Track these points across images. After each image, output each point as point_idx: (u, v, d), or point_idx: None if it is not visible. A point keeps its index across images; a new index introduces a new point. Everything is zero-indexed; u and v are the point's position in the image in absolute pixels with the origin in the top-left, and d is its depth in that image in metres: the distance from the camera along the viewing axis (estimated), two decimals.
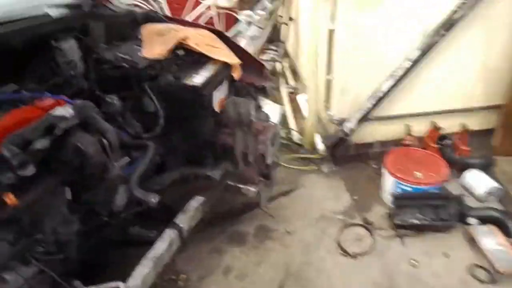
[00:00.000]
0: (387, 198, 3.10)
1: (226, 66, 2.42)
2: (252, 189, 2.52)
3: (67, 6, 2.27)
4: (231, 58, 2.47)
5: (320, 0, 3.22)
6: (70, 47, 2.03)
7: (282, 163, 3.45)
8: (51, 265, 1.55)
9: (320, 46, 3.40)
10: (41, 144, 1.44)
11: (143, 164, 1.78)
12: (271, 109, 4.13)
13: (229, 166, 2.54)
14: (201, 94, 2.10)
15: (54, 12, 2.14)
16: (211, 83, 2.20)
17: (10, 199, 1.27)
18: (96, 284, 1.73)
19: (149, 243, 2.22)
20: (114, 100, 2.04)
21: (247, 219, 2.97)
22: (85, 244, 1.90)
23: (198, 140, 2.33)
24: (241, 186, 2.54)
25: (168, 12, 5.11)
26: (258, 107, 2.51)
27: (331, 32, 3.18)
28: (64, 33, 2.04)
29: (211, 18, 5.26)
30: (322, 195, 3.24)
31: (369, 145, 3.60)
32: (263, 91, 2.75)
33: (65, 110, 1.59)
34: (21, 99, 1.67)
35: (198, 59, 2.32)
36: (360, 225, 2.92)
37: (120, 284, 1.67)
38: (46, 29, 1.99)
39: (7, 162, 1.35)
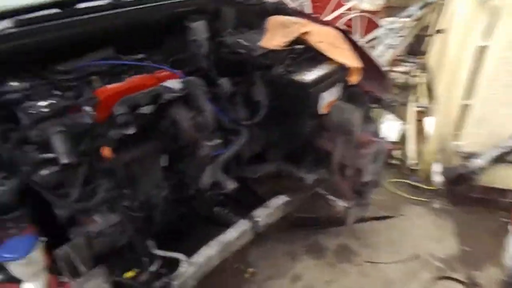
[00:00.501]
0: (509, 263, 2.51)
1: (344, 68, 2.26)
2: (342, 203, 2.33)
3: None
4: (351, 61, 2.30)
5: (479, 10, 2.75)
6: (199, 27, 2.17)
7: (385, 185, 3.12)
8: (132, 221, 1.69)
9: (464, 64, 2.92)
10: (146, 109, 1.57)
11: (231, 149, 1.79)
12: (390, 125, 3.78)
13: (323, 174, 2.41)
14: (308, 92, 2.01)
15: None
16: (322, 83, 2.09)
17: (106, 152, 1.42)
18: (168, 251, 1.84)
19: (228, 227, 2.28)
20: (224, 83, 2.11)
21: (331, 233, 2.78)
22: (168, 211, 2.04)
23: (298, 139, 2.25)
24: (330, 197, 2.38)
25: (310, 10, 5.12)
26: (368, 118, 2.28)
27: (482, 49, 2.69)
28: (198, 14, 2.18)
29: (350, 20, 5.05)
30: (424, 232, 2.81)
31: (501, 192, 2.97)
32: (380, 103, 2.50)
33: (174, 83, 1.70)
34: (145, 67, 1.85)
35: (315, 56, 2.22)
36: (462, 282, 2.44)
37: (183, 256, 1.73)
38: (183, 9, 2.17)
39: (115, 119, 1.51)
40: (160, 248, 1.85)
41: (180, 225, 2.27)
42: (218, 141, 1.85)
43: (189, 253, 1.83)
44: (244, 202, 2.49)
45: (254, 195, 2.55)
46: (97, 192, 1.66)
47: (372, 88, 2.51)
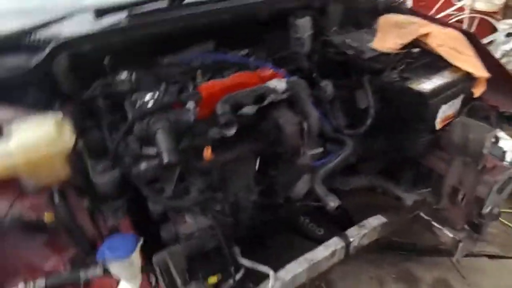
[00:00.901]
0: None
1: (468, 77, 1.94)
2: (450, 234, 2.00)
3: None
4: (478, 70, 1.96)
5: None
6: (303, 24, 2.02)
7: (503, 219, 2.67)
8: (222, 225, 1.60)
9: None
10: (248, 110, 1.46)
11: (335, 161, 1.61)
12: (505, 144, 3.25)
13: (428, 196, 2.11)
14: (426, 103, 1.74)
15: None
16: (442, 94, 1.80)
17: (208, 153, 1.34)
18: (250, 259, 1.72)
19: (314, 240, 2.11)
20: (328, 86, 1.94)
21: (427, 263, 2.44)
22: (256, 216, 1.93)
23: (403, 154, 1.99)
24: (436, 224, 2.06)
25: None
26: (496, 139, 1.92)
27: None
28: (303, 10, 2.03)
29: (460, 22, 4.50)
30: None
31: None
32: (508, 120, 2.11)
33: (278, 83, 1.57)
34: (248, 64, 1.76)
35: (435, 62, 1.93)
36: None
37: (271, 272, 1.60)
38: (288, 5, 2.04)
39: (217, 118, 1.42)
40: (242, 255, 1.75)
41: (262, 232, 2.16)
42: (320, 150, 1.68)
43: (271, 262, 1.70)
44: (331, 216, 2.30)
45: (342, 208, 2.34)
46: (190, 191, 1.61)
47: (499, 102, 2.13)
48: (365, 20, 2.21)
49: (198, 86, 1.57)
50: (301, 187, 1.80)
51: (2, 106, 1.46)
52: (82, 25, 1.72)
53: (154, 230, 1.56)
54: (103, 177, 1.46)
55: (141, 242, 1.21)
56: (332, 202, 1.52)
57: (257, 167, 1.78)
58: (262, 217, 2.04)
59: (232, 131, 1.43)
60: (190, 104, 1.42)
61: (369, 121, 1.80)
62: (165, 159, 1.25)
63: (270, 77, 1.65)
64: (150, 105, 1.40)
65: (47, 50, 1.51)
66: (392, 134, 1.92)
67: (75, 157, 1.48)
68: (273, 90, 1.52)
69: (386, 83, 1.83)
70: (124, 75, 1.55)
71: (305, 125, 1.50)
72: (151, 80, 1.58)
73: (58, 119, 1.42)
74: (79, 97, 1.54)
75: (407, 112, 1.80)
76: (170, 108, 1.43)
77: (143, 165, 1.50)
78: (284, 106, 1.52)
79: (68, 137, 1.36)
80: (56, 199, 1.36)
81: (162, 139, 1.28)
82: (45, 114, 1.46)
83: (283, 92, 1.54)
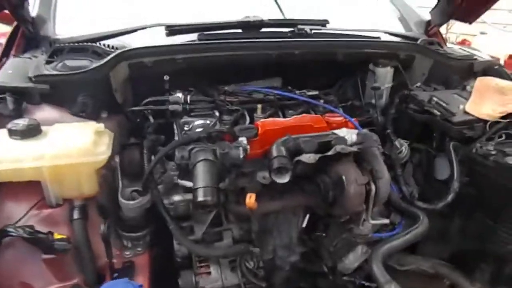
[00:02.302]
0: None
1: None
2: None
3: (402, 36, 2.07)
4: None
5: None
6: (384, 74, 1.80)
7: None
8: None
9: None
10: (309, 158, 1.23)
11: (404, 238, 1.29)
12: None
13: None
14: None
15: (385, 38, 1.99)
16: None
17: (251, 200, 1.11)
18: None
19: None
20: (403, 147, 1.65)
21: None
22: (291, 283, 1.64)
23: (485, 245, 1.61)
24: None
25: None
26: None
27: None
28: (386, 59, 1.82)
29: None
30: None
31: None
32: None
33: (348, 134, 1.33)
34: (316, 107, 1.56)
35: None
36: None
37: None
38: (371, 51, 1.84)
39: (269, 161, 1.21)
40: None
41: None
42: (385, 221, 1.39)
43: None
44: None
45: None
46: (223, 239, 1.38)
47: None
48: (456, 79, 1.93)
49: (256, 121, 1.39)
50: (352, 259, 1.49)
51: (49, 106, 1.38)
52: (154, 40, 1.66)
53: (173, 275, 1.35)
54: (131, 201, 1.30)
55: None
56: None
57: (304, 224, 1.52)
58: (298, 285, 1.74)
59: (284, 179, 1.20)
60: (243, 139, 1.23)
61: (450, 197, 1.47)
62: (200, 197, 1.04)
63: (340, 125, 1.42)
64: (198, 131, 1.23)
65: (110, 56, 1.43)
66: (476, 219, 1.57)
67: (107, 173, 1.35)
68: (342, 140, 1.29)
69: (477, 155, 1.50)
70: (179, 94, 1.41)
71: (372, 188, 1.23)
72: (207, 106, 1.43)
73: (99, 128, 1.30)
74: (129, 109, 1.42)
75: (501, 194, 1.45)
76: (220, 140, 1.24)
77: (176, 197, 1.32)
78: (350, 161, 1.27)
79: (104, 150, 1.22)
80: (76, 214, 1.21)
81: (202, 173, 1.08)
82: (89, 121, 1.36)
83: (353, 145, 1.29)
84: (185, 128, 1.29)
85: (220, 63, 1.60)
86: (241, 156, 1.17)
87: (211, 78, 1.61)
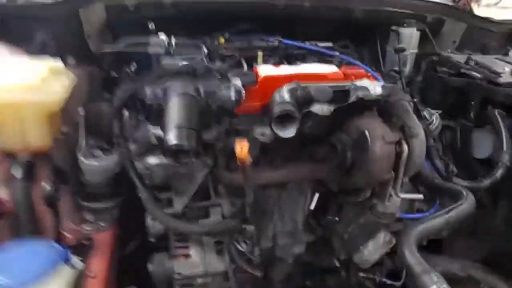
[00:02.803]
0: None
1: None
2: None
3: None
4: None
5: None
6: (409, 36, 1.52)
7: None
8: (242, 278, 1.04)
9: None
10: (322, 109, 0.95)
11: (444, 217, 0.98)
12: None
13: None
14: None
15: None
16: None
17: (243, 152, 0.82)
18: None
19: None
20: (434, 117, 1.36)
21: None
22: (294, 279, 1.34)
23: None
24: None
25: None
26: None
27: None
28: (412, 20, 1.54)
29: None
30: None
31: None
32: None
33: (371, 85, 1.05)
34: (331, 57, 1.28)
35: None
36: None
37: None
38: (397, 10, 1.56)
39: (270, 110, 0.93)
40: None
41: None
42: (418, 196, 1.08)
43: None
44: None
45: None
46: (209, 214, 1.09)
47: None
48: (494, 47, 1.64)
49: (255, 67, 1.11)
50: (372, 250, 1.19)
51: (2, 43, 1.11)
52: None
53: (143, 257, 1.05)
54: (93, 162, 1.02)
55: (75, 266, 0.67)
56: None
57: (313, 205, 1.23)
58: (303, 282, 1.44)
59: (289, 133, 0.91)
60: (237, 81, 0.95)
61: (499, 172, 1.17)
62: (172, 139, 0.75)
63: (359, 76, 1.14)
64: (178, 65, 0.95)
65: None
66: None
67: (68, 130, 1.08)
68: (364, 89, 1.00)
69: None
70: (162, 37, 1.14)
71: (404, 148, 0.93)
72: (196, 51, 1.15)
73: (57, 67, 1.03)
74: (99, 51, 1.16)
75: None
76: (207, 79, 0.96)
77: (152, 160, 1.03)
78: (375, 115, 0.98)
79: (58, 90, 0.95)
80: (18, 172, 0.93)
81: (177, 110, 0.79)
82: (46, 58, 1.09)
83: (379, 96, 1.01)
84: (162, 65, 1.01)
85: (215, 10, 1.34)
86: (233, 97, 0.88)
87: (203, 29, 1.34)
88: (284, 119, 0.92)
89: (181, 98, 0.80)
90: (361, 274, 1.27)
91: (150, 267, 1.00)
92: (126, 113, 1.03)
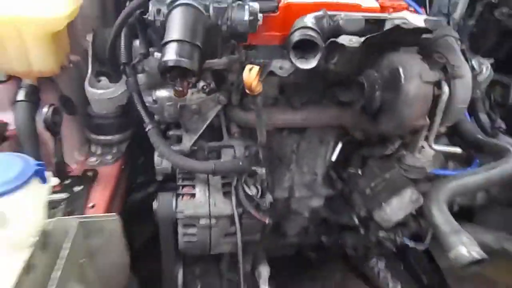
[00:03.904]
0: None
1: None
2: None
3: None
4: None
5: None
6: None
7: None
8: (250, 223, 0.97)
9: None
10: (350, 40, 0.81)
11: (483, 174, 0.85)
12: None
13: None
14: None
15: None
16: None
17: (251, 74, 0.70)
18: None
19: None
20: (484, 67, 1.18)
21: None
22: (309, 234, 1.28)
23: None
24: None
25: None
26: None
27: None
28: None
29: None
30: None
31: None
32: None
33: (412, 18, 0.89)
34: None
35: None
36: None
37: None
38: None
39: (289, 36, 0.81)
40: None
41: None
42: (456, 149, 0.94)
43: None
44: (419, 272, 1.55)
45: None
46: (220, 155, 1.02)
47: None
48: None
49: None
50: (395, 207, 1.07)
51: None
52: None
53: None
54: (98, 91, 0.95)
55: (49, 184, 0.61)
56: (475, 253, 0.76)
57: (334, 156, 1.12)
58: (318, 238, 1.37)
59: (310, 63, 0.80)
60: (254, 4, 0.82)
61: None
62: (169, 54, 0.65)
63: (400, 10, 0.98)
64: None
65: None
66: None
67: (76, 59, 1.01)
68: (404, 20, 0.85)
69: None
70: None
71: (445, 90, 0.79)
72: None
73: None
74: None
75: None
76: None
77: (162, 92, 0.96)
78: (413, 51, 0.84)
79: (60, 5, 0.87)
80: (21, 95, 0.89)
81: (178, 21, 0.69)
82: None
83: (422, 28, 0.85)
84: None
85: None
86: (246, 18, 0.76)
87: None
88: (306, 47, 0.80)
89: (184, 10, 0.70)
90: (381, 234, 1.17)
91: (154, 204, 0.96)
92: (136, 41, 0.94)
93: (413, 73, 0.79)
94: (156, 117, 1.00)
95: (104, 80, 0.98)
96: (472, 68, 1.22)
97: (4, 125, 0.86)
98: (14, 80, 0.92)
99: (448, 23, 1.29)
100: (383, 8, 0.99)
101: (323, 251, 1.46)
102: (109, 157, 1.02)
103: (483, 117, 1.09)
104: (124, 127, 1.05)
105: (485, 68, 1.19)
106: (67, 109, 1.02)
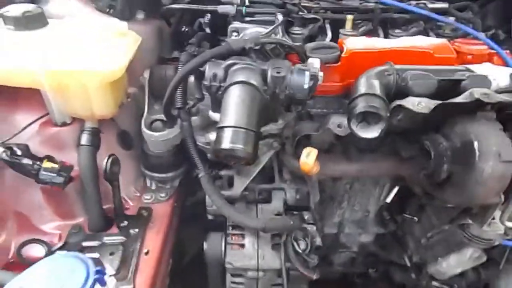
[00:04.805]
0: None
1: None
2: None
3: None
4: None
5: None
6: None
7: None
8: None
9: None
10: (419, 104, 0.74)
11: None
12: None
13: None
14: None
15: None
16: None
17: (308, 161, 0.67)
18: None
19: None
20: None
21: None
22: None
23: None
24: None
25: None
26: None
27: None
28: None
29: None
30: None
31: None
32: None
33: (498, 72, 0.79)
34: (442, 25, 0.99)
35: None
36: None
37: None
38: None
39: (352, 101, 0.75)
40: None
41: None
42: None
43: None
44: None
45: None
46: (271, 199, 1.01)
47: None
48: None
49: (341, 37, 0.91)
50: (454, 264, 1.01)
51: None
52: None
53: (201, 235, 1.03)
54: (154, 133, 0.97)
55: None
56: None
57: (389, 199, 1.07)
58: (364, 269, 1.34)
59: (372, 133, 0.74)
60: (314, 61, 0.77)
61: None
62: (224, 143, 0.64)
63: (479, 58, 0.87)
64: (244, 39, 0.80)
65: None
66: None
67: (135, 92, 1.03)
68: (483, 80, 0.75)
69: None
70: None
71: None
72: (273, 11, 0.97)
73: (121, 29, 0.95)
74: (164, 6, 1.04)
75: None
76: (279, 57, 0.80)
77: (213, 134, 0.95)
78: (493, 120, 0.74)
79: (122, 57, 0.88)
80: (84, 139, 0.93)
81: (234, 104, 0.67)
82: (114, 20, 1.01)
83: (502, 92, 0.76)
84: (233, 37, 0.87)
85: None
86: (306, 85, 0.72)
87: None
88: (368, 116, 0.74)
89: (242, 90, 0.67)
90: (434, 283, 1.11)
91: (205, 245, 0.98)
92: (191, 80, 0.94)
93: (491, 151, 0.70)
94: (209, 155, 1.00)
95: (159, 122, 0.99)
96: None
97: (70, 168, 0.91)
98: (77, 122, 0.96)
99: None
100: (459, 55, 0.88)
101: (369, 278, 1.44)
102: (163, 194, 1.05)
103: None
104: (178, 164, 1.07)
105: None
106: (125, 144, 1.05)
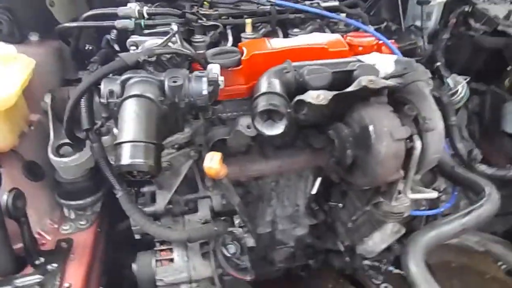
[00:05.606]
0: None
1: None
2: None
3: None
4: None
5: None
6: None
7: None
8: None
9: None
10: (317, 97, 0.78)
11: (459, 222, 0.84)
12: None
13: None
14: None
15: None
16: None
17: (211, 166, 0.68)
18: None
19: None
20: (460, 85, 1.16)
21: None
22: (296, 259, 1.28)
23: None
24: None
25: None
26: None
27: None
28: None
29: None
30: None
31: None
32: None
33: (383, 60, 0.86)
34: (334, 22, 1.06)
35: None
36: None
37: None
38: None
39: (253, 101, 0.77)
40: None
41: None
42: (432, 194, 0.93)
43: None
44: None
45: None
46: (198, 209, 1.00)
47: None
48: None
49: (243, 41, 0.94)
50: (378, 241, 1.08)
51: None
52: None
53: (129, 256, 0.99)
54: (63, 159, 0.92)
55: None
56: None
57: (314, 190, 1.11)
58: (305, 261, 1.38)
59: (276, 130, 0.76)
60: (214, 67, 0.78)
61: None
62: (123, 159, 0.63)
63: (369, 49, 0.94)
64: (138, 51, 0.78)
65: None
66: None
67: (32, 113, 0.96)
68: (371, 69, 0.82)
69: None
70: (132, 5, 0.96)
71: (417, 145, 0.78)
72: (172, 22, 0.97)
73: (8, 55, 0.89)
74: (57, 26, 0.99)
75: None
76: (178, 67, 0.80)
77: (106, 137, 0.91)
78: (384, 103, 0.81)
79: (9, 85, 0.82)
80: None
81: (130, 119, 0.65)
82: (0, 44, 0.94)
83: (389, 77, 0.83)
84: (131, 51, 0.85)
85: None
86: (205, 91, 0.73)
87: None
88: (271, 113, 0.77)
89: (136, 104, 0.66)
90: (366, 262, 1.18)
91: (134, 266, 0.94)
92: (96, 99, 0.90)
93: (384, 132, 0.76)
94: None
95: (67, 146, 0.93)
96: (448, 87, 1.20)
97: None
98: None
99: (422, 36, 1.26)
100: (351, 48, 0.95)
101: (312, 269, 1.48)
102: (83, 221, 0.99)
103: (460, 146, 1.07)
104: (96, 188, 1.02)
105: (461, 87, 1.17)
106: (33, 175, 0.98)
